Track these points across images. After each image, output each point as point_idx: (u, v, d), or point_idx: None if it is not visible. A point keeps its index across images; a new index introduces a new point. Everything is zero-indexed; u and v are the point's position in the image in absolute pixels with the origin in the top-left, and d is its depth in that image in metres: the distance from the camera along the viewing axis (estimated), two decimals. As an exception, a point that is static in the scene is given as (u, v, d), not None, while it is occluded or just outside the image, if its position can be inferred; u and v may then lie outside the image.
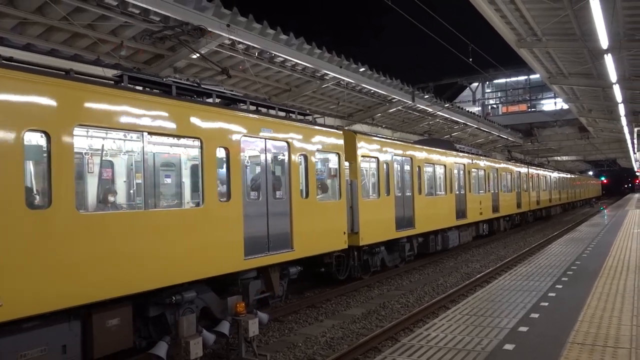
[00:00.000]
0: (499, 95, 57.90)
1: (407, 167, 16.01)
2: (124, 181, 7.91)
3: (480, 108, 52.57)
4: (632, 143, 38.40)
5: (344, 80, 16.94)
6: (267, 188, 9.59)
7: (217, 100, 9.18)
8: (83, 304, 6.27)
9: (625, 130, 32.71)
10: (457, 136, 33.31)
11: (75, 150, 6.45)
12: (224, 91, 9.50)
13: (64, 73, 6.57)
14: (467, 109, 32.31)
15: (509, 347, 5.29)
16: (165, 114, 7.55)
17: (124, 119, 6.97)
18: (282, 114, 10.47)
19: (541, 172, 37.64)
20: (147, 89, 7.86)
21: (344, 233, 11.98)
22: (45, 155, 6.12)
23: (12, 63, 6.06)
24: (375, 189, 14.29)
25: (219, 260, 8.27)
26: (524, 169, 31.87)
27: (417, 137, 28.51)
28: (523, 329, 5.97)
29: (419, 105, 22.66)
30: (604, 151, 53.84)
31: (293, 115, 10.97)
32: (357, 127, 20.53)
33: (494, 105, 56.20)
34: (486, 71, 34.54)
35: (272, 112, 10.21)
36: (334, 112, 20.27)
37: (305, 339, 9.27)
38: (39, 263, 5.79)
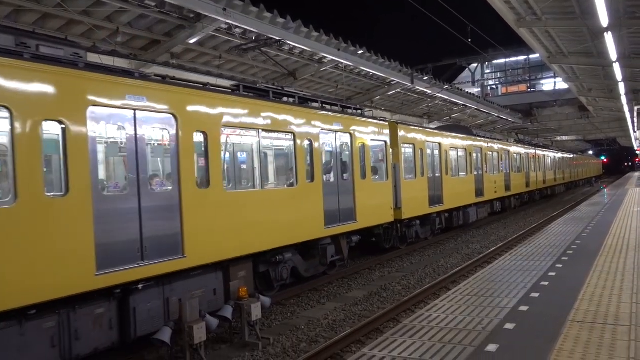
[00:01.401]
0: (499, 75, 57.55)
1: (436, 152, 18.26)
2: (248, 167, 10.21)
3: (479, 89, 52.28)
4: (632, 122, 38.25)
5: (342, 63, 16.83)
6: (337, 171, 12.15)
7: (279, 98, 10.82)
8: (225, 259, 8.62)
9: (626, 109, 32.57)
10: (457, 117, 33.18)
11: (221, 144, 8.72)
12: (298, 92, 11.62)
13: (202, 86, 8.77)
14: (466, 90, 32.15)
15: (509, 326, 5.34)
16: (270, 114, 9.82)
17: (247, 120, 9.30)
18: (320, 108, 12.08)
19: (547, 153, 39.57)
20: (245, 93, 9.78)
21: (391, 208, 14.45)
22: (203, 149, 8.32)
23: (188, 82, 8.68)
24: (412, 171, 16.41)
25: (308, 228, 10.85)
26: (532, 151, 33.81)
27: (417, 119, 28.45)
28: (523, 308, 6.02)
29: (418, 88, 22.55)
30: (604, 130, 53.68)
31: (349, 110, 13.11)
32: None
33: (494, 86, 55.88)
34: (485, 52, 34.30)
35: (314, 106, 11.88)
36: (333, 95, 20.17)
37: (307, 322, 9.35)
38: (204, 228, 8.07)
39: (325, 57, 16.05)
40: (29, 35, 6.84)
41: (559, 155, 45.86)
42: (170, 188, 7.74)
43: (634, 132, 42.90)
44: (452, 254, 16.01)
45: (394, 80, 20.66)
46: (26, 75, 5.99)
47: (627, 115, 36.16)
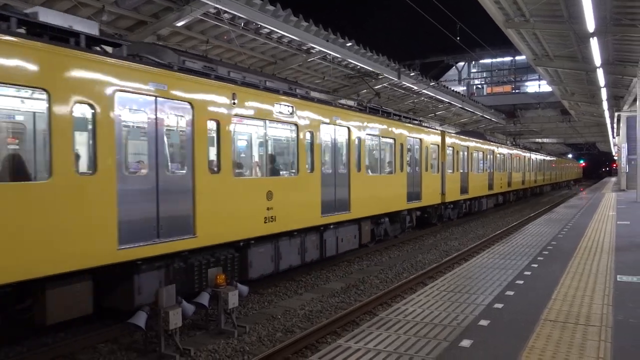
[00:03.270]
0: (485, 75, 57.98)
1: (465, 153, 23.55)
2: (374, 159, 15.09)
3: (465, 88, 52.64)
4: (612, 127, 38.98)
5: (330, 54, 16.75)
6: (413, 165, 17.41)
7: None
8: (362, 217, 13.68)
9: (606, 114, 33.15)
10: (442, 115, 33.37)
11: (365, 145, 13.93)
12: (390, 110, 17.14)
13: (349, 106, 13.73)
14: (452, 88, 32.32)
15: (484, 322, 5.39)
16: (384, 126, 15.11)
17: (376, 131, 14.50)
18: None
19: (539, 156, 45.05)
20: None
21: (439, 193, 19.94)
22: (359, 148, 13.45)
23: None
24: (452, 167, 21.50)
25: (398, 203, 16.18)
26: (527, 154, 39.39)
27: (402, 114, 28.58)
28: (498, 305, 6.08)
29: (404, 83, 22.58)
30: (584, 134, 54.58)
31: (416, 121, 18.72)
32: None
33: (479, 86, 56.31)
34: (473, 51, 34.54)
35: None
36: (320, 86, 20.09)
37: (284, 312, 9.35)
38: (357, 194, 13.19)
39: (313, 48, 15.97)
40: (296, 84, 12.14)
41: (549, 158, 50.95)
42: (345, 171, 12.93)
43: (613, 137, 43.71)
44: (430, 250, 16.15)
45: (381, 75, 20.65)
46: (304, 107, 11.03)
47: (607, 120, 36.81)
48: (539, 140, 58.95)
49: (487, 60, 55.48)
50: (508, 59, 53.50)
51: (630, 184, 30.86)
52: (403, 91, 24.87)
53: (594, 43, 14.38)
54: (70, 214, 6.36)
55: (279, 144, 11.22)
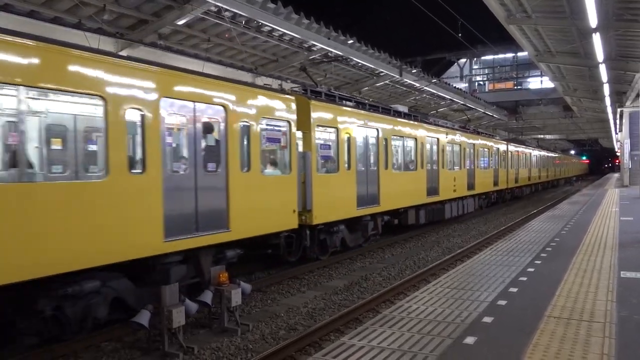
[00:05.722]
0: (486, 72, 57.81)
1: (517, 155, 32.84)
2: (481, 160, 24.14)
3: (467, 84, 52.48)
4: (615, 123, 38.86)
5: (331, 52, 16.72)
6: (494, 163, 26.63)
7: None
8: (476, 193, 23.50)
9: (609, 110, 33.05)
10: (443, 112, 33.30)
11: (478, 152, 24.36)
12: (476, 129, 26.44)
13: (468, 130, 24.08)
14: (454, 85, 32.26)
15: (487, 319, 5.38)
16: (485, 141, 25.50)
17: (482, 143, 24.83)
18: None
19: (556, 154, 54.51)
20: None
21: (505, 182, 29.54)
22: (476, 153, 23.98)
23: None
24: (511, 165, 30.84)
25: (490, 186, 26.57)
26: (549, 154, 49.02)
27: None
28: (502, 302, 6.07)
29: (406, 80, 22.55)
30: (586, 131, 54.42)
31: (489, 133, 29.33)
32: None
33: (481, 82, 56.13)
34: (475, 47, 34.48)
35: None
36: (321, 84, 20.04)
37: (287, 309, 9.34)
38: (476, 181, 23.55)
39: (314, 45, 15.93)
40: (446, 120, 22.22)
41: (563, 156, 60.55)
42: (473, 167, 22.29)
43: (616, 133, 43.56)
44: (433, 247, 16.12)
45: (382, 72, 20.62)
46: (462, 135, 21.87)
47: (610, 116, 36.69)
48: (541, 136, 58.84)
49: (489, 57, 55.30)
50: (510, 55, 53.34)
51: (633, 180, 30.79)
52: (405, 88, 24.84)
53: (597, 39, 14.31)
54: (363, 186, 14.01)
55: (454, 154, 20.58)
